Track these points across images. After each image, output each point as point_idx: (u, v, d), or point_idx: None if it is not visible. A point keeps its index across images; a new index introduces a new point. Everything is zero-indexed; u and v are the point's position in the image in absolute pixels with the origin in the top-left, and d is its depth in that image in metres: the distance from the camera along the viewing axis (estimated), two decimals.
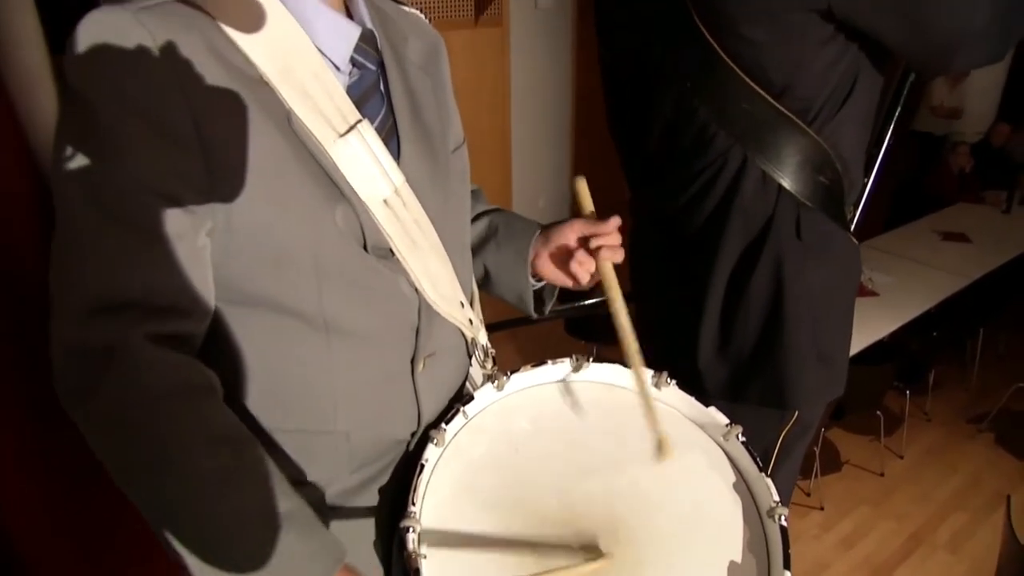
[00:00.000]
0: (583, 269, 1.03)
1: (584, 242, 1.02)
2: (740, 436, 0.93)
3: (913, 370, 3.40)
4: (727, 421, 0.95)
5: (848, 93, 1.18)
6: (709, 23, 1.14)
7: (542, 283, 1.11)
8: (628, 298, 1.46)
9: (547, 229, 1.07)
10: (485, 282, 1.13)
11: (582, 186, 1.02)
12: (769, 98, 1.15)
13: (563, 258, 1.05)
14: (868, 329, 3.05)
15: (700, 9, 1.14)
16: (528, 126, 5.27)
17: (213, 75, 0.74)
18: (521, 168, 5.33)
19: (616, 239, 1.00)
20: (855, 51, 1.14)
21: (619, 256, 1.00)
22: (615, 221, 1.01)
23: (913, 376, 3.42)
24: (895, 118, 1.50)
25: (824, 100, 1.16)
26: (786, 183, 1.20)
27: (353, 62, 0.85)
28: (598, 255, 0.99)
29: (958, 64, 1.14)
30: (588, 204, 1.03)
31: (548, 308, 1.14)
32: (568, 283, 1.07)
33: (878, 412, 3.22)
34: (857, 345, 2.91)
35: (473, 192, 1.11)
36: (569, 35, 5.30)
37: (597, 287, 1.03)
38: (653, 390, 1.00)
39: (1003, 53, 1.15)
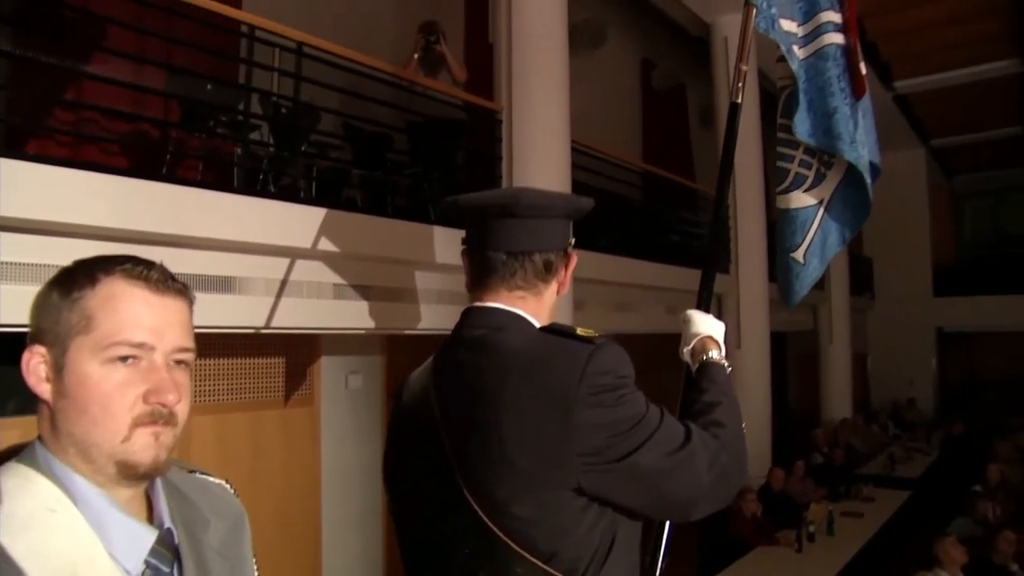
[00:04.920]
0: None
1: None
2: None
3: None
4: None
5: (611, 545, 1.29)
6: (482, 504, 1.25)
7: None
8: None
9: None
10: None
11: None
12: (540, 563, 1.23)
13: None
14: None
15: (472, 492, 1.25)
16: (338, 507, 5.13)
17: None
18: (331, 550, 5.08)
19: None
20: (611, 512, 1.28)
21: None
22: None
23: None
24: (666, 533, 1.65)
25: (590, 557, 1.26)
26: None
27: (147, 563, 0.84)
28: None
29: (697, 515, 1.32)
30: None
31: None
32: None
33: None
34: None
35: None
36: (378, 415, 5.41)
37: None
38: None
39: (730, 498, 1.38)
